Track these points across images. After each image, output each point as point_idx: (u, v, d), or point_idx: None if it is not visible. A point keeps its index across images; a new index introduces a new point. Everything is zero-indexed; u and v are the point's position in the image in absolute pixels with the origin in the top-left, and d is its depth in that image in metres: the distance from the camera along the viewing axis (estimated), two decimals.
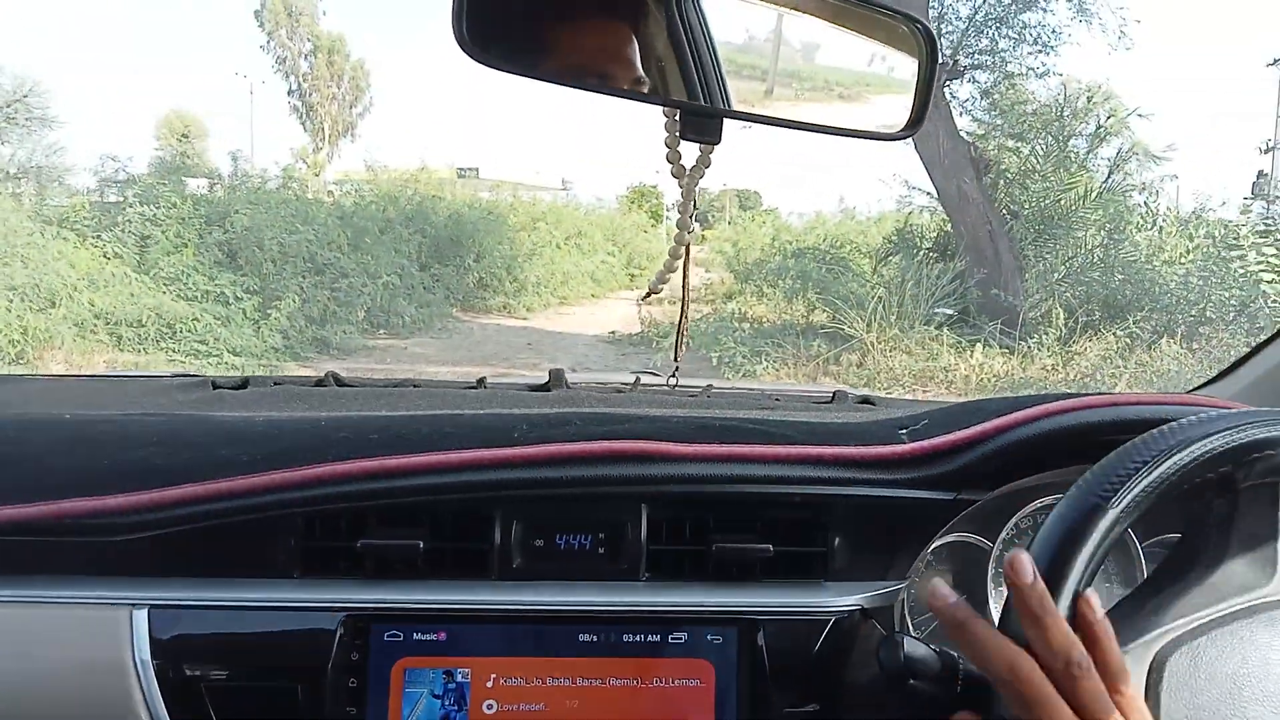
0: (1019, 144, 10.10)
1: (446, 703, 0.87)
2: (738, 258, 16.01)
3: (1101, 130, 10.52)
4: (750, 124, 0.98)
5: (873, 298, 9.07)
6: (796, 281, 11.11)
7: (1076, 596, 0.67)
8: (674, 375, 1.21)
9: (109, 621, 0.83)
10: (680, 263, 1.05)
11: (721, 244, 19.92)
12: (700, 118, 0.93)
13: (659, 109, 0.94)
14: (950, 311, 9.21)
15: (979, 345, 8.36)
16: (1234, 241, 9.34)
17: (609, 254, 18.54)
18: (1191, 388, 1.36)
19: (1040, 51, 10.10)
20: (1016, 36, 10.10)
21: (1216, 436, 0.71)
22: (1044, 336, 8.25)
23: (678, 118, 0.93)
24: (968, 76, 10.07)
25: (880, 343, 8.43)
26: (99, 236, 10.16)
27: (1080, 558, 0.68)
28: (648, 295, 1.15)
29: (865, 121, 1.03)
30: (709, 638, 0.89)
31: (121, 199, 10.97)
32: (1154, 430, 0.73)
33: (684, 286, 1.09)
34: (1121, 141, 10.71)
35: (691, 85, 0.98)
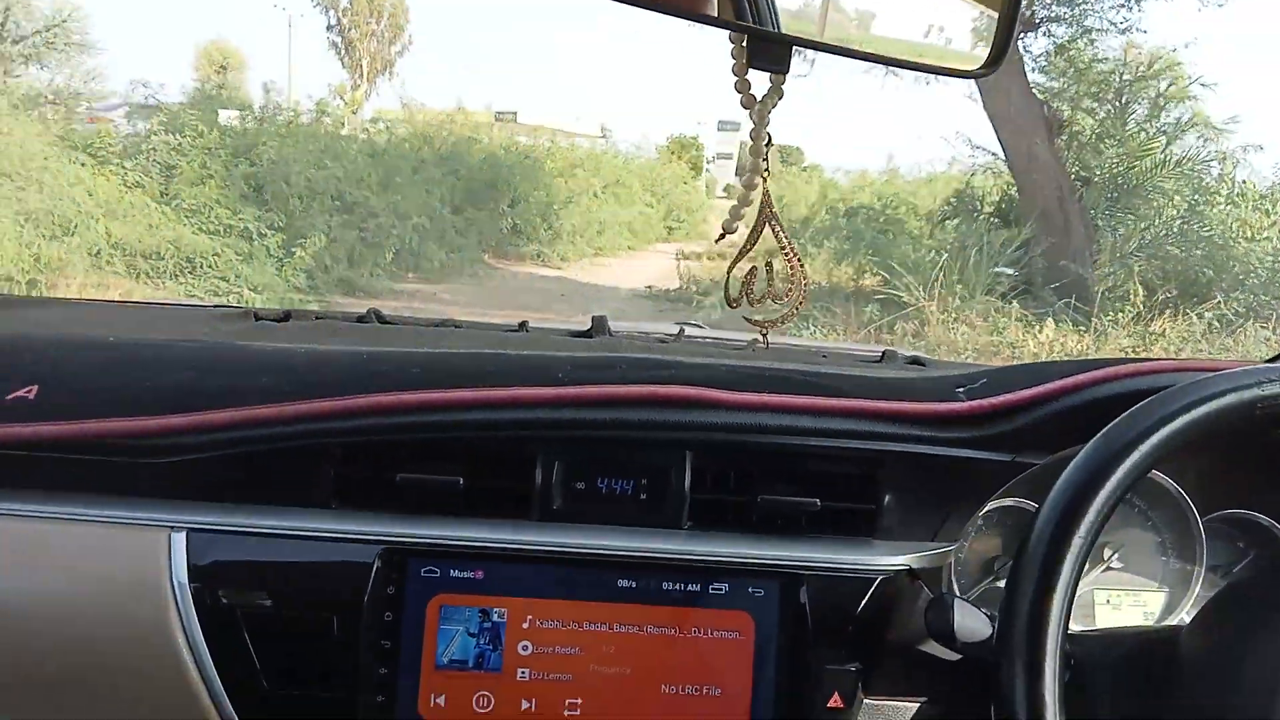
0: (1095, 105, 9.21)
1: (481, 641, 0.86)
2: (781, 214, 15.08)
3: (1161, 99, 9.71)
4: (819, 53, 0.93)
5: (933, 263, 8.33)
6: (847, 242, 10.42)
7: (1091, 540, 0.68)
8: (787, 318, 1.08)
9: (148, 543, 0.83)
10: (763, 204, 0.99)
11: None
12: (767, 44, 0.89)
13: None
14: (1012, 271, 8.49)
15: (1049, 320, 7.60)
16: None
17: (647, 205, 18.07)
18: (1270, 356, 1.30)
19: (1123, 5, 9.15)
20: None
21: (1248, 389, 0.70)
22: (1120, 314, 7.50)
23: (745, 44, 0.89)
24: (1043, 29, 9.16)
25: (941, 312, 7.70)
26: (122, 164, 9.87)
27: (1097, 501, 0.68)
28: (722, 236, 1.08)
29: (942, 57, 0.99)
30: (750, 590, 0.88)
31: (147, 128, 10.62)
32: (1182, 384, 0.72)
33: (774, 225, 1.01)
34: (1182, 111, 9.94)
35: (758, 10, 0.91)
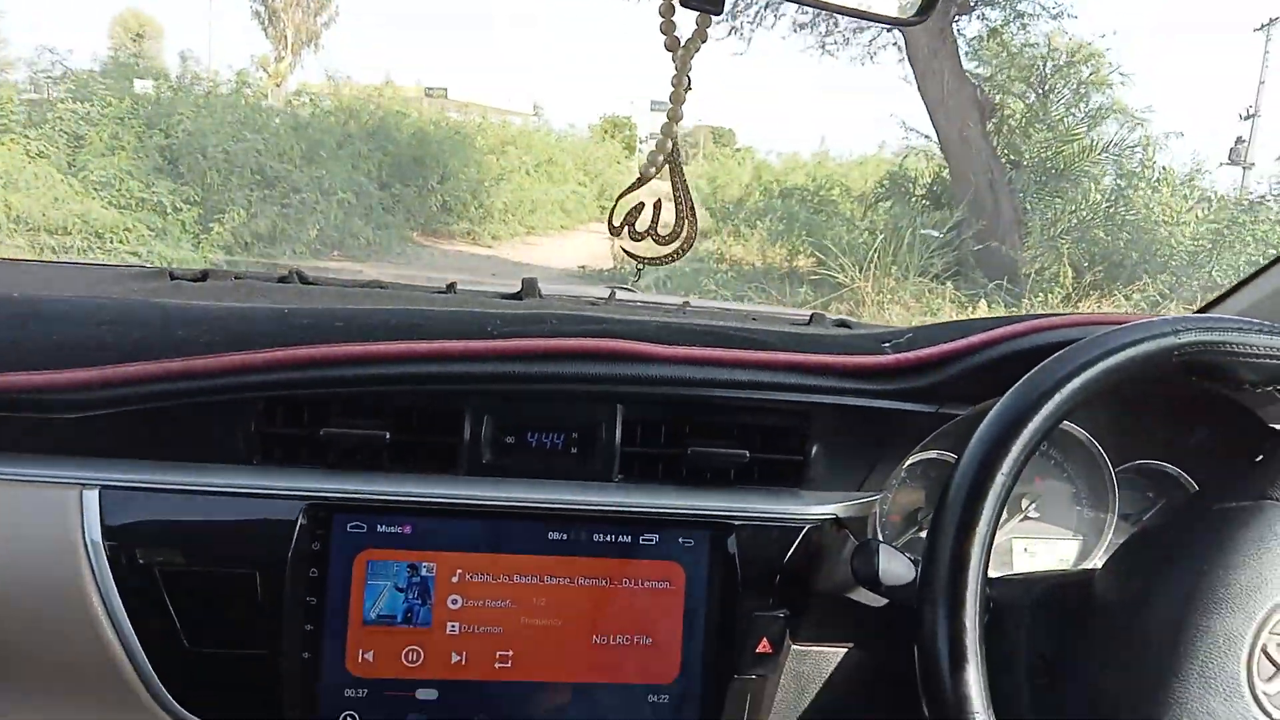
0: (1026, 89, 9.33)
1: (410, 596, 0.86)
2: (714, 195, 15.30)
3: (1083, 86, 9.85)
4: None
5: (867, 245, 8.37)
6: (781, 223, 10.38)
7: (1009, 486, 0.70)
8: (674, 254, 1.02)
9: (58, 501, 0.81)
10: (671, 143, 0.97)
11: (695, 180, 19.13)
12: None
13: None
14: (937, 234, 8.55)
15: (981, 302, 7.69)
16: (1246, 203, 8.76)
17: (580, 184, 17.90)
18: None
19: None
20: None
21: (1165, 337, 0.73)
22: (1050, 296, 7.61)
23: None
24: (977, 13, 9.24)
25: (876, 293, 7.73)
26: (25, 134, 9.41)
27: (1015, 447, 0.70)
28: (636, 183, 1.02)
29: (880, 5, 0.99)
30: (680, 540, 0.89)
31: (51, 96, 9.97)
32: (1098, 334, 0.75)
33: (674, 171, 0.99)
34: (1103, 98, 10.05)
35: None
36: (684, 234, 1.02)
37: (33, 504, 0.81)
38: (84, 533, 0.80)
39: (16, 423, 0.82)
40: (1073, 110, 9.86)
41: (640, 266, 1.15)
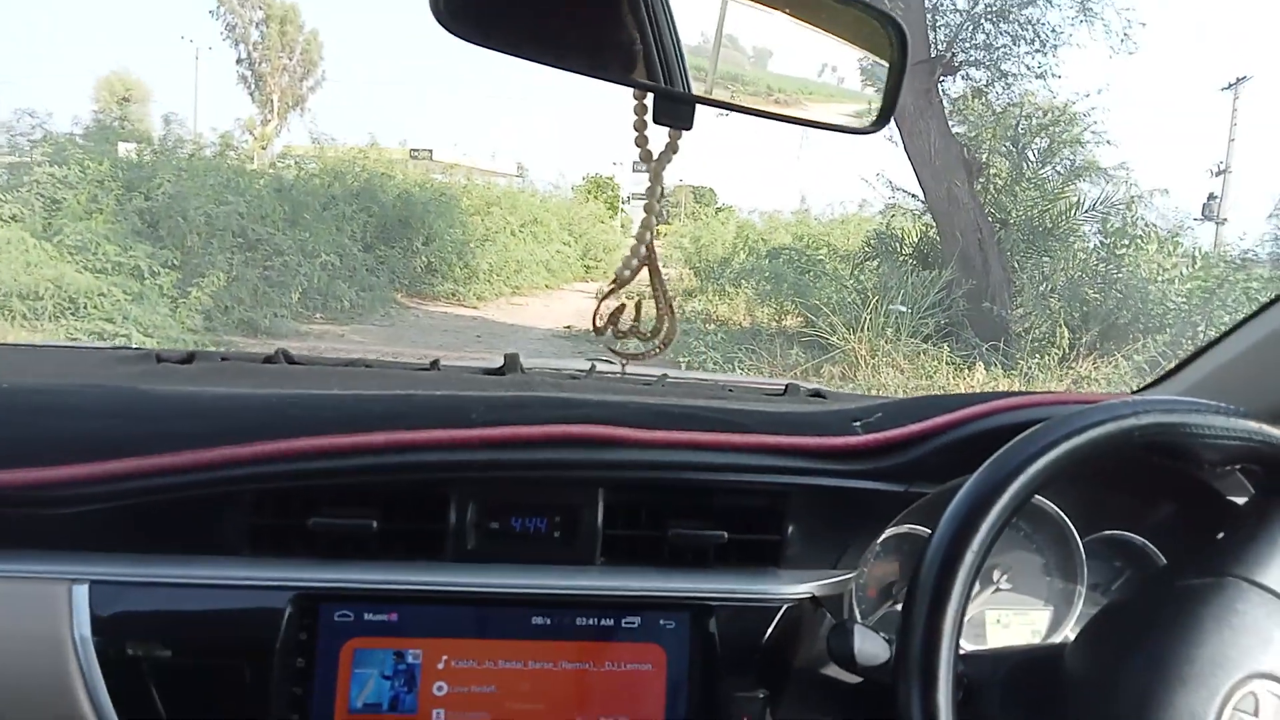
0: (1011, 148, 9.27)
1: (396, 684, 0.86)
2: (698, 254, 15.28)
3: (1056, 145, 9.90)
4: (723, 111, 0.97)
5: (857, 304, 8.20)
6: (769, 283, 10.22)
7: (980, 561, 0.72)
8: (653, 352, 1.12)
9: (47, 596, 0.81)
10: (645, 248, 1.04)
11: (679, 239, 19.13)
12: (672, 102, 0.93)
13: (624, 97, 0.95)
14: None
15: (978, 364, 7.51)
16: (1239, 261, 8.67)
17: (565, 243, 17.94)
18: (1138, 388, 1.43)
19: (1039, 51, 9.33)
20: (1015, 33, 9.32)
21: (1126, 419, 0.76)
22: (1046, 357, 7.43)
23: (648, 101, 0.93)
24: (962, 73, 9.21)
25: (870, 355, 7.53)
26: (2, 198, 9.13)
27: (985, 524, 0.72)
28: (615, 287, 1.07)
29: (834, 115, 1.05)
30: (661, 623, 0.91)
31: (31, 159, 9.77)
32: (1063, 414, 0.78)
33: (653, 273, 1.06)
34: (1078, 155, 10.05)
35: (662, 69, 0.93)
36: (665, 329, 1.08)
37: (22, 599, 0.81)
38: (73, 628, 0.80)
39: (7, 518, 0.83)
40: (1054, 168, 9.81)
41: (625, 363, 1.19)
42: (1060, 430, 0.75)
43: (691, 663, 0.89)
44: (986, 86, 9.73)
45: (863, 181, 16.29)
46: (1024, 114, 9.71)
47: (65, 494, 0.82)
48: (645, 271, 1.06)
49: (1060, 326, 7.92)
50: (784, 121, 1.00)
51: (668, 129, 0.94)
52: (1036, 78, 9.66)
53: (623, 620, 0.89)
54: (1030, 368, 7.83)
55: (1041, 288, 8.98)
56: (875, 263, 10.29)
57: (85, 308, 8.25)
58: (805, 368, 7.99)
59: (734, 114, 0.96)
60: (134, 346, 1.34)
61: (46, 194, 9.42)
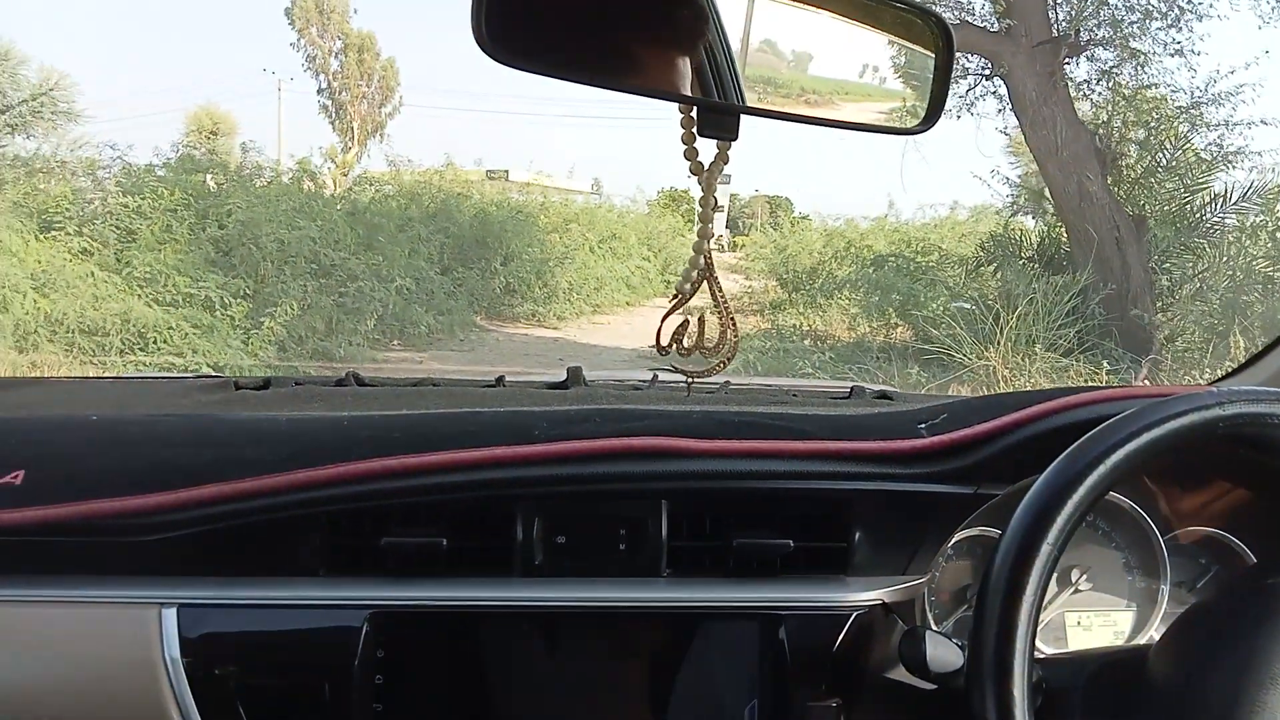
0: (1146, 134, 8.01)
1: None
2: (784, 264, 14.12)
3: (1196, 128, 8.55)
4: (767, 119, 0.93)
5: (977, 316, 7.04)
6: (876, 294, 9.08)
7: (1053, 561, 0.69)
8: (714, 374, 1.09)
9: (139, 620, 0.83)
10: (704, 259, 1.00)
11: (759, 250, 18.06)
12: (716, 114, 0.90)
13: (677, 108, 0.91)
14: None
15: (1130, 379, 6.33)
16: None
17: (644, 259, 17.00)
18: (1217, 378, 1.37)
19: (1173, 25, 8.04)
20: (1147, 7, 8.03)
21: (1210, 409, 0.72)
22: (1217, 371, 6.17)
23: (694, 114, 0.91)
24: (1087, 53, 8.01)
25: (1008, 371, 6.40)
26: (77, 230, 8.84)
27: (1057, 522, 0.69)
28: (677, 303, 1.03)
29: (881, 117, 1.01)
30: (730, 633, 0.89)
31: (101, 191, 9.48)
32: (1142, 406, 0.74)
33: (712, 283, 1.02)
34: (1224, 141, 8.59)
35: (706, 81, 0.90)
36: (729, 342, 1.04)
37: (115, 624, 0.83)
38: (164, 650, 0.82)
39: (98, 545, 0.84)
40: (1198, 154, 8.46)
41: (691, 379, 1.12)
42: (1141, 421, 0.72)
43: (762, 673, 0.88)
44: (1116, 68, 8.48)
45: (975, 179, 14.68)
46: (1160, 96, 8.43)
47: (151, 522, 0.84)
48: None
49: (1235, 335, 6.65)
50: (832, 126, 0.94)
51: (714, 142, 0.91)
52: (1172, 55, 8.37)
53: (691, 631, 0.88)
54: (1195, 382, 6.58)
55: (1194, 290, 7.65)
56: (993, 267, 9.07)
57: (155, 342, 7.75)
58: (930, 388, 6.88)
59: (785, 122, 0.93)
60: (214, 375, 1.37)
61: (121, 225, 8.98)
